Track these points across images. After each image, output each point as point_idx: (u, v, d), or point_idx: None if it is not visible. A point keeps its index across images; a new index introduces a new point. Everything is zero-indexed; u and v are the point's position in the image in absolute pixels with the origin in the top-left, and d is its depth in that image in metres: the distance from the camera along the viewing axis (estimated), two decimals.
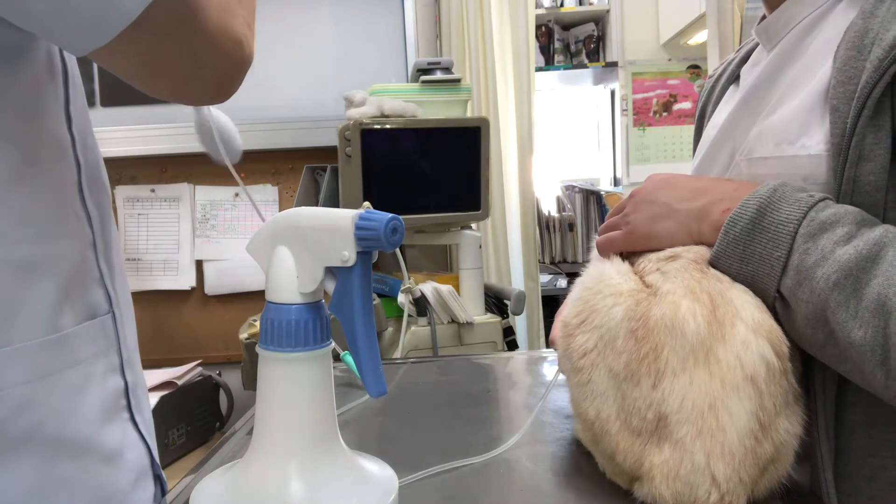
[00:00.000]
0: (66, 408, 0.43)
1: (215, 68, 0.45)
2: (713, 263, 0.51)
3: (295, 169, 1.84)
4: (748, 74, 0.67)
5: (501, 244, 2.00)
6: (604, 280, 0.54)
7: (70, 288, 0.45)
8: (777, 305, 0.48)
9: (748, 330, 0.47)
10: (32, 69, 0.43)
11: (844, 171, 0.48)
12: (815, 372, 0.51)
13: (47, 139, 0.45)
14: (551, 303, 2.35)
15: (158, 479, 0.52)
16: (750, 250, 0.49)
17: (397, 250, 1.20)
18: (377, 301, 1.32)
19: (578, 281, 0.58)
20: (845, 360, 0.44)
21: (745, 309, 0.48)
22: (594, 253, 0.62)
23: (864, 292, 0.42)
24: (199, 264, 1.85)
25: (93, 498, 0.44)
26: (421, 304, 1.28)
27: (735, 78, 0.71)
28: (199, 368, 1.57)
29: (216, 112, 0.89)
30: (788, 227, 0.47)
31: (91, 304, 0.47)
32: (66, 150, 0.47)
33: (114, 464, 0.46)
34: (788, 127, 0.54)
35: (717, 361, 0.47)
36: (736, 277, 0.50)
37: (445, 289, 1.31)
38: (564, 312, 0.58)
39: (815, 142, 0.51)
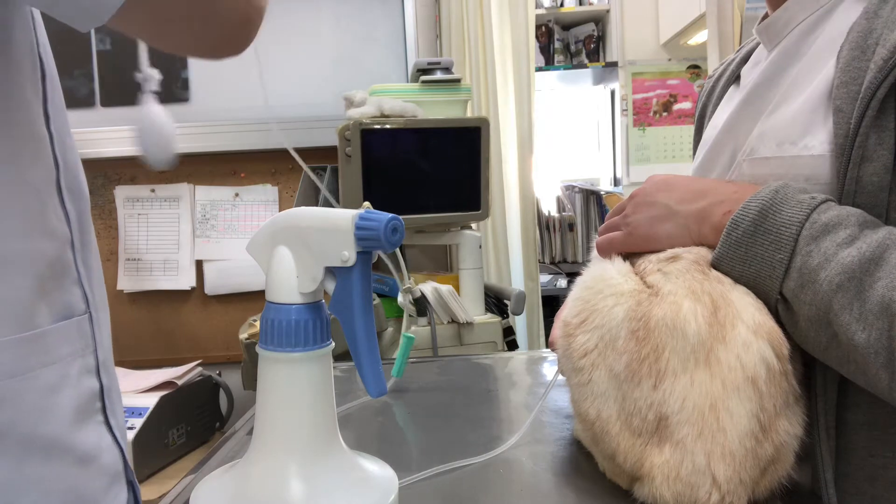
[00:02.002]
0: (40, 407, 0.42)
1: (227, 22, 0.44)
2: (715, 265, 0.51)
3: (295, 169, 1.84)
4: (749, 74, 0.67)
5: (501, 244, 2.00)
6: (605, 280, 0.54)
7: (47, 286, 0.44)
8: (779, 307, 0.48)
9: (749, 331, 0.47)
10: (16, 60, 0.43)
11: (847, 172, 0.48)
12: (816, 373, 0.51)
13: (27, 134, 0.44)
14: (551, 303, 2.35)
15: (131, 485, 0.51)
16: (752, 253, 0.48)
17: (397, 250, 1.19)
18: (377, 301, 1.32)
19: (579, 280, 0.58)
20: (849, 363, 0.44)
21: (746, 310, 0.48)
22: (594, 253, 0.62)
23: (867, 294, 0.42)
24: (199, 264, 1.85)
25: (65, 500, 0.43)
26: (421, 304, 1.28)
27: (735, 78, 0.71)
28: (199, 368, 1.57)
29: (156, 110, 0.91)
30: (791, 230, 0.46)
31: (68, 303, 0.47)
32: (45, 147, 0.46)
33: (88, 467, 0.45)
34: (791, 127, 0.53)
35: (717, 362, 0.47)
36: (738, 279, 0.50)
37: (445, 289, 1.30)
38: (564, 312, 0.58)
39: (818, 142, 0.51)
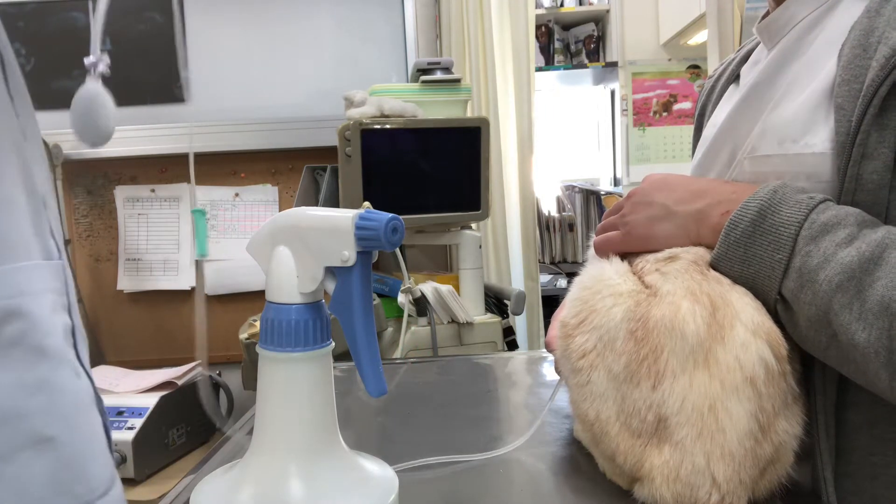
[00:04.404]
0: (45, 324, 0.49)
1: None
2: (713, 265, 0.51)
3: (295, 169, 1.84)
4: (749, 73, 0.67)
5: (501, 244, 2.00)
6: (603, 280, 0.54)
7: (36, 228, 0.52)
8: (778, 307, 0.48)
9: (747, 332, 0.47)
10: None
11: (847, 170, 0.48)
12: (815, 372, 0.51)
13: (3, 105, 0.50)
14: (551, 303, 2.35)
15: (102, 415, 0.56)
16: (751, 253, 0.48)
17: (397, 250, 1.19)
18: (377, 301, 1.32)
19: (577, 280, 0.58)
20: (849, 362, 0.44)
21: (745, 311, 0.48)
22: (591, 252, 0.62)
23: (867, 294, 0.42)
24: (199, 264, 1.85)
25: (71, 403, 0.50)
26: (421, 304, 1.28)
27: (735, 77, 0.71)
28: (199, 368, 1.57)
29: (92, 88, 0.97)
30: (790, 230, 0.46)
31: (48, 248, 0.54)
32: (14, 122, 0.52)
33: (81, 379, 0.52)
34: (792, 125, 0.53)
35: (716, 363, 0.47)
36: (737, 280, 0.50)
37: (445, 289, 1.30)
38: (563, 313, 0.58)
39: (819, 140, 0.51)
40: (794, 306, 0.47)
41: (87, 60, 0.94)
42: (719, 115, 0.69)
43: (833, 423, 0.50)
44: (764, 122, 0.57)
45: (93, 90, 0.92)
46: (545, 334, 2.04)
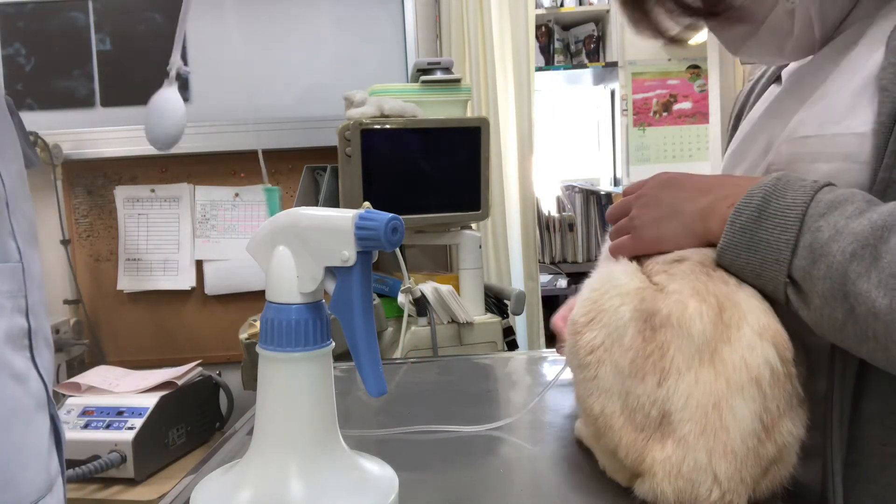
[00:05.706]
0: None
1: None
2: (720, 255, 0.51)
3: (295, 169, 1.84)
4: (791, 71, 0.67)
5: (501, 244, 2.00)
6: (611, 281, 0.55)
7: None
8: (789, 291, 0.48)
9: (754, 333, 0.47)
10: None
11: (889, 145, 0.47)
12: (835, 362, 0.50)
13: None
14: (551, 303, 2.35)
15: (53, 419, 0.56)
16: (757, 238, 0.48)
17: (397, 250, 1.19)
18: (377, 301, 1.32)
19: (587, 282, 0.59)
20: (867, 339, 0.43)
21: (752, 313, 0.48)
22: (604, 253, 0.63)
23: (884, 261, 0.41)
24: (199, 264, 1.85)
25: (6, 406, 0.49)
26: (421, 304, 1.28)
27: (776, 78, 0.70)
28: (199, 368, 1.57)
29: (168, 94, 0.98)
30: (796, 211, 0.47)
31: (4, 250, 0.53)
32: None
33: (21, 385, 0.51)
34: (834, 108, 0.53)
35: (722, 362, 0.47)
36: (744, 268, 0.50)
37: (445, 289, 1.30)
38: (573, 312, 0.58)
39: (860, 122, 0.50)
40: (806, 285, 0.46)
41: (176, 68, 0.94)
42: (757, 111, 0.68)
43: (848, 413, 0.50)
44: (805, 109, 0.56)
45: (165, 95, 0.92)
46: (546, 334, 2.04)
